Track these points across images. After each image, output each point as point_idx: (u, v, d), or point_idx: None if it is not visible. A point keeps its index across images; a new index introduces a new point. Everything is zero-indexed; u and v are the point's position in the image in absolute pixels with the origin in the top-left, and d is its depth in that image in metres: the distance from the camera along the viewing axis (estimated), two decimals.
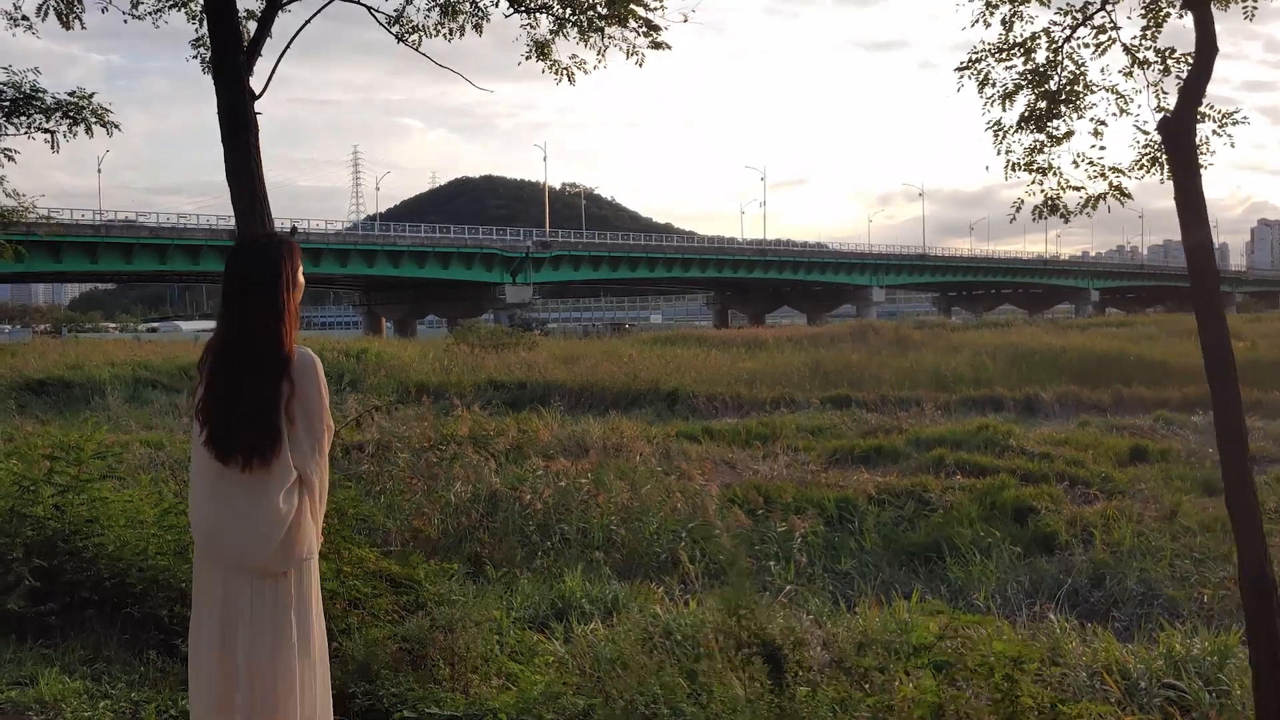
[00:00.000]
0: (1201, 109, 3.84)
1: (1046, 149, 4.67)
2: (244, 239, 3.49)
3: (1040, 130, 4.64)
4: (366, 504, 6.97)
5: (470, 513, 8.85)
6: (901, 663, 3.69)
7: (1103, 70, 4.52)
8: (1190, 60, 3.66)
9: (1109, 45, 4.37)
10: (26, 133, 8.95)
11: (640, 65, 5.70)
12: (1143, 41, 4.37)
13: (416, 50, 6.16)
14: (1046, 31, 4.48)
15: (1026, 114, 4.64)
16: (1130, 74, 4.44)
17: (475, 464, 10.28)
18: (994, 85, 4.67)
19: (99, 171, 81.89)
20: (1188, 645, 5.35)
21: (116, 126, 8.70)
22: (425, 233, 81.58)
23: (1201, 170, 3.24)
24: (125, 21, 6.35)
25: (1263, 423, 17.07)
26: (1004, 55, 4.61)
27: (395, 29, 6.23)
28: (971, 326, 58.51)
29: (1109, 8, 4.25)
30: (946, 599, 7.54)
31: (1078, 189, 4.70)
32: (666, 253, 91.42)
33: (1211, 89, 3.44)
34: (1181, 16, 3.98)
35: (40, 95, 8.81)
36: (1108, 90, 4.53)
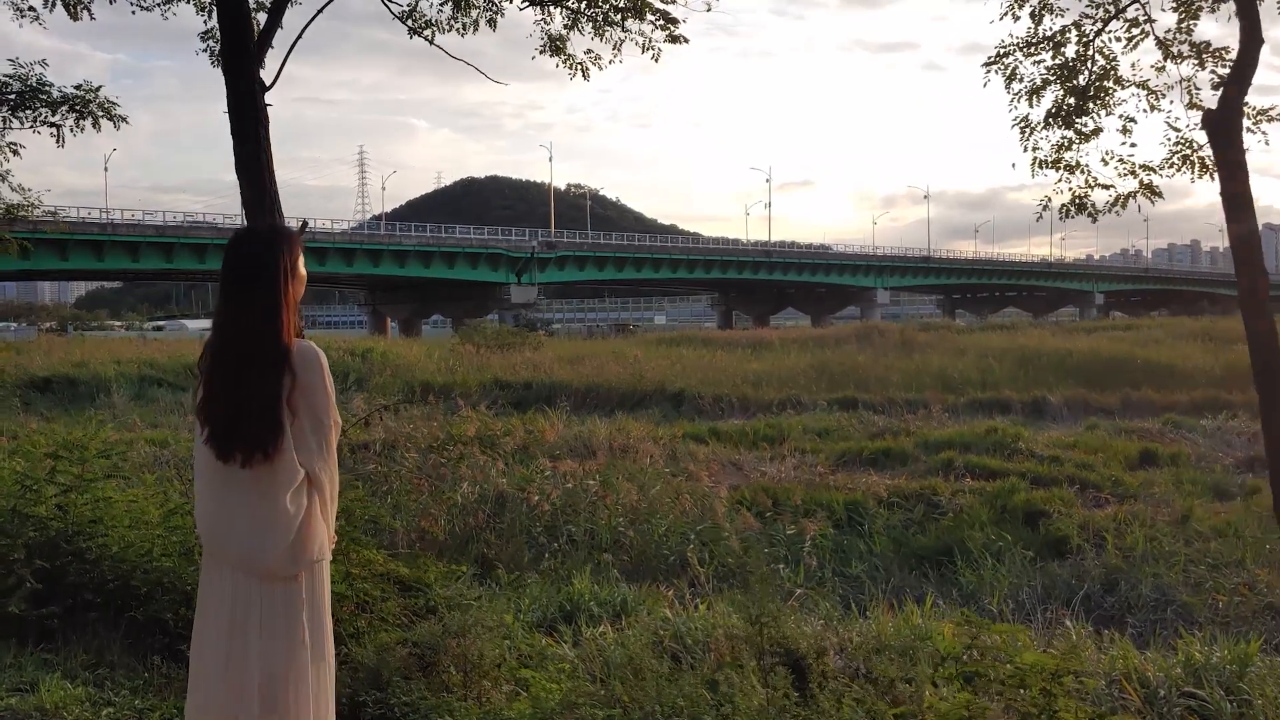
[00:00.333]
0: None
1: (1075, 145, 4.57)
2: (243, 229, 3.38)
3: (1068, 126, 4.55)
4: (374, 504, 6.89)
5: (477, 513, 8.75)
6: (929, 672, 3.58)
7: (1133, 65, 4.44)
8: (1226, 55, 3.56)
9: (1141, 39, 4.28)
10: (32, 126, 8.85)
11: (656, 60, 5.61)
12: (1177, 35, 4.28)
13: (430, 44, 6.06)
14: (1077, 25, 4.39)
15: (1054, 110, 4.55)
16: (1163, 69, 4.35)
17: (482, 464, 10.19)
18: (1021, 80, 4.57)
19: (105, 170, 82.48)
20: (1207, 653, 5.24)
21: (124, 120, 8.64)
22: (431, 232, 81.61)
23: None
24: (134, 13, 6.28)
25: None
26: (1032, 49, 4.51)
27: (409, 23, 6.13)
28: (976, 329, 58.31)
29: (1143, 1, 4.16)
30: (958, 604, 7.43)
31: (1106, 187, 4.61)
32: (671, 254, 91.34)
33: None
34: (1214, 10, 3.88)
35: (47, 88, 8.71)
36: (1138, 86, 4.44)
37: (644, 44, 5.78)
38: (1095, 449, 15.28)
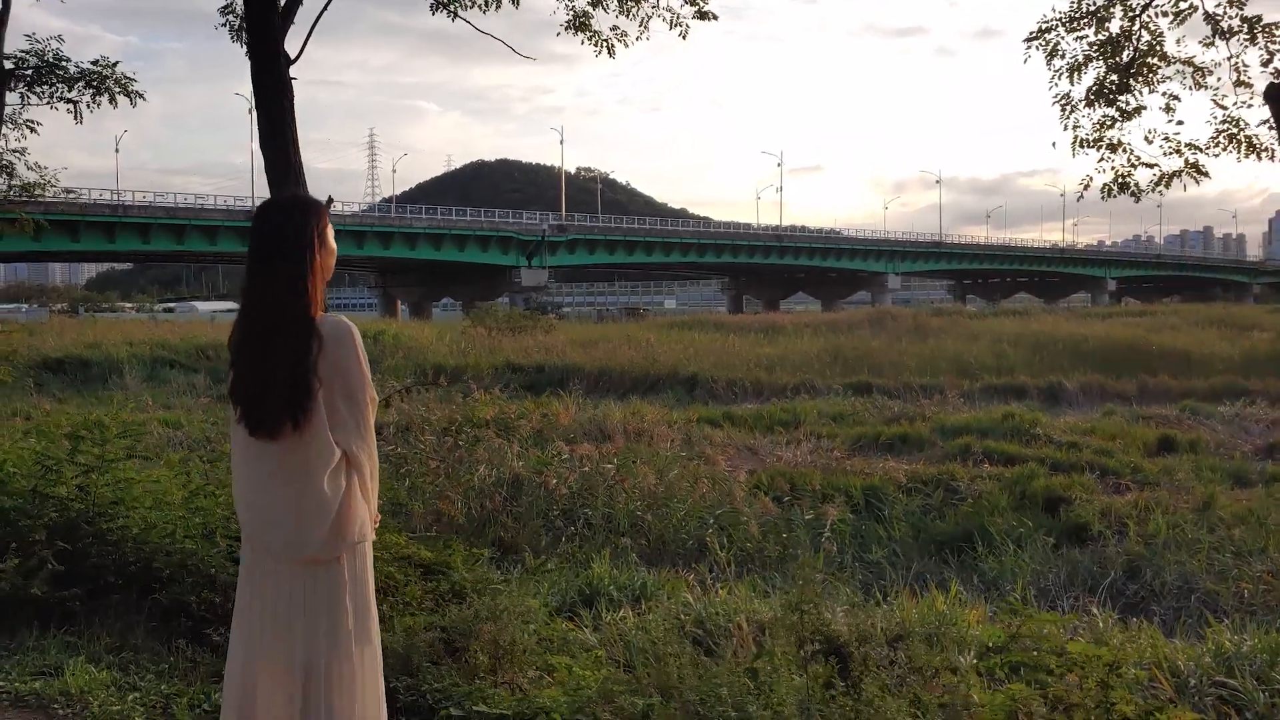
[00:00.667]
0: None
1: (1117, 124, 4.47)
2: (266, 201, 3.27)
3: (1110, 105, 4.45)
4: (393, 486, 6.83)
5: (494, 497, 8.70)
6: (972, 662, 3.51)
7: (1178, 41, 4.32)
8: (1278, 31, 3.45)
9: (1190, 13, 4.17)
10: (49, 103, 8.79)
11: (684, 37, 5.47)
12: (1228, 10, 4.16)
13: (454, 19, 5.96)
14: None
15: (1096, 88, 4.44)
16: (1211, 43, 4.23)
17: (498, 447, 10.13)
18: (1063, 56, 4.47)
19: (117, 151, 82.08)
20: (1237, 642, 5.16)
21: (141, 96, 8.58)
22: (441, 215, 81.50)
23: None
24: None
25: None
26: (1075, 24, 4.40)
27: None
28: (989, 314, 58.08)
29: None
30: (980, 590, 7.37)
31: (1150, 166, 4.50)
32: (682, 238, 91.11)
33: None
34: None
35: (63, 64, 8.65)
36: (1183, 63, 4.33)
37: (671, 19, 5.68)
38: (1113, 435, 15.23)
